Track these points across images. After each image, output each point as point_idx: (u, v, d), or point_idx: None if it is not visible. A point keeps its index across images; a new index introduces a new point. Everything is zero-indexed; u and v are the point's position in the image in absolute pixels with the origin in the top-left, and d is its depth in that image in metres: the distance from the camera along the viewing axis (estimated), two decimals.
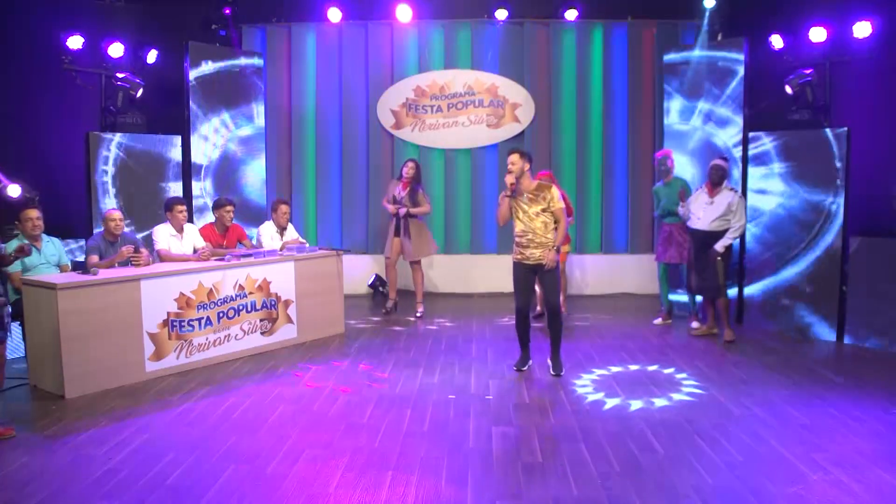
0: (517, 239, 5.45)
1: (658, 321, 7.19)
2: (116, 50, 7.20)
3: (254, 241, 7.01)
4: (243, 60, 8.35)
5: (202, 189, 7.92)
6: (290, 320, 6.48)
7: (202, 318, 5.77)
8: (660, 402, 4.84)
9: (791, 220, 6.71)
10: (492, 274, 8.89)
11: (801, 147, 6.62)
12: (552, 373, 5.52)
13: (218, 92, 8.04)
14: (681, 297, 7.36)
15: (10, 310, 4.61)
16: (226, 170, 8.18)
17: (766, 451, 4.00)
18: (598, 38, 8.85)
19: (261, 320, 6.23)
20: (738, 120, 7.21)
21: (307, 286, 6.59)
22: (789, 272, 6.73)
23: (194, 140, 7.79)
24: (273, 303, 6.33)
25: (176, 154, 7.62)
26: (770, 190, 6.85)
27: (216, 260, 6.06)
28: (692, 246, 6.59)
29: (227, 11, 8.19)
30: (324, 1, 8.42)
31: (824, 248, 6.50)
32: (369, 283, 8.79)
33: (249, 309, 6.13)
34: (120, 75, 7.19)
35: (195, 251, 6.20)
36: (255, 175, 8.54)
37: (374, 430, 4.38)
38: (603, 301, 8.48)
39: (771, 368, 5.63)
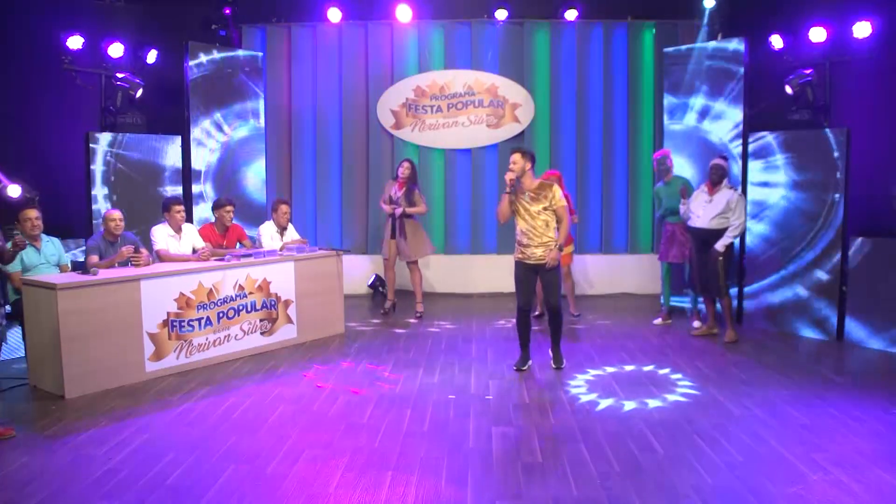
0: (519, 238, 5.46)
1: (658, 321, 7.19)
2: (116, 50, 7.21)
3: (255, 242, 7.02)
4: (243, 60, 8.35)
5: (202, 189, 7.92)
6: (289, 320, 6.48)
7: (202, 318, 5.77)
8: (659, 403, 4.84)
9: (791, 220, 6.71)
10: (492, 274, 8.89)
11: (801, 147, 6.63)
12: (553, 366, 5.63)
13: (218, 92, 8.04)
14: (682, 298, 7.36)
15: (8, 309, 4.59)
16: (226, 170, 8.18)
17: (766, 451, 4.00)
18: (598, 38, 8.85)
19: (261, 320, 6.23)
20: (736, 114, 7.19)
21: (307, 286, 6.59)
22: (789, 272, 6.73)
23: (194, 140, 7.79)
24: (273, 303, 6.33)
25: (175, 154, 7.62)
26: (770, 188, 6.85)
27: (216, 260, 6.06)
28: (692, 245, 6.59)
29: (227, 11, 8.19)
30: (324, 1, 8.42)
31: (824, 248, 6.50)
32: (369, 283, 8.79)
33: (249, 309, 6.13)
34: (120, 75, 7.20)
35: (194, 251, 6.19)
36: (255, 175, 8.53)
37: (374, 430, 4.38)
38: (603, 301, 8.48)
39: (771, 368, 5.63)
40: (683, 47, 7.83)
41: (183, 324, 5.63)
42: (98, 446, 4.11)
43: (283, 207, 7.00)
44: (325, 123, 9.07)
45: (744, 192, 6.89)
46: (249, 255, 6.18)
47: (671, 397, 4.95)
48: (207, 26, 8.18)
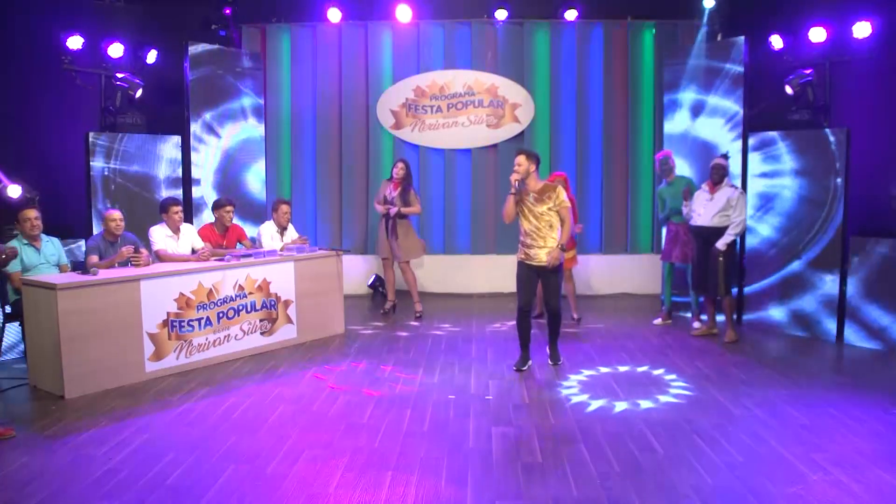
0: (523, 238, 5.49)
1: (658, 321, 7.19)
2: (116, 50, 7.20)
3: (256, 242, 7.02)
4: (243, 60, 8.34)
5: (203, 194, 7.91)
6: (289, 320, 6.48)
7: (202, 318, 5.77)
8: (659, 403, 4.84)
9: (791, 221, 6.71)
10: (491, 274, 8.90)
11: (801, 147, 6.63)
12: (550, 362, 5.71)
13: (218, 92, 8.04)
14: (686, 299, 7.36)
15: (8, 310, 4.60)
16: (226, 170, 8.18)
17: (766, 451, 4.00)
18: (598, 38, 8.85)
19: (260, 320, 6.23)
20: (736, 114, 7.18)
21: (307, 286, 6.59)
22: (789, 271, 6.73)
23: (194, 140, 7.79)
24: (273, 303, 6.33)
25: (175, 154, 7.62)
26: (770, 188, 6.85)
27: (216, 260, 6.06)
28: (695, 244, 6.58)
29: (227, 11, 8.19)
30: (324, 1, 8.42)
31: (824, 248, 6.50)
32: (369, 283, 8.79)
33: (249, 309, 6.13)
34: (119, 75, 7.20)
35: (193, 251, 6.19)
36: (255, 175, 8.53)
37: (374, 430, 4.38)
38: (603, 301, 8.48)
39: (771, 368, 5.63)
40: (683, 47, 7.84)
41: (183, 324, 5.63)
42: (98, 446, 4.11)
43: (284, 207, 7.00)
44: (325, 123, 9.07)
45: (743, 188, 6.89)
46: (249, 256, 6.18)
47: (669, 398, 4.95)
48: (207, 26, 8.18)
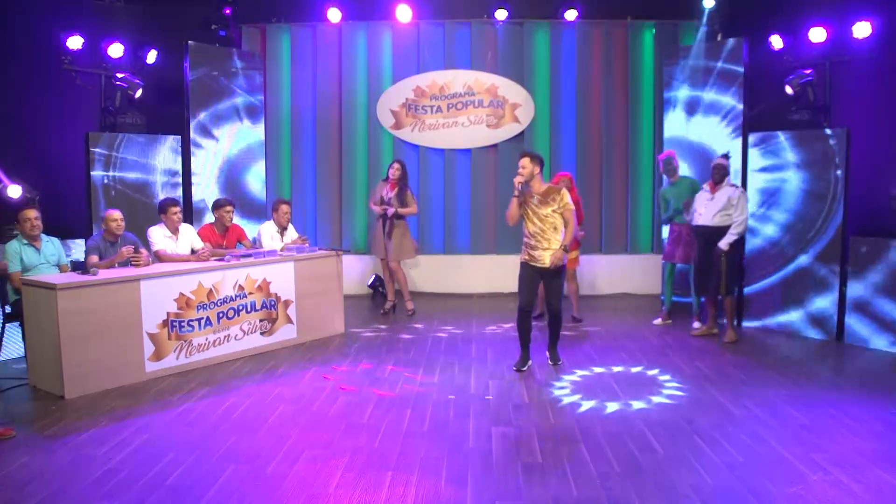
0: (527, 240, 5.50)
1: (658, 321, 7.19)
2: (116, 50, 7.21)
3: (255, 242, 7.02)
4: (243, 61, 8.34)
5: (203, 189, 7.91)
6: (289, 320, 6.48)
7: (202, 318, 5.77)
8: (659, 403, 4.84)
9: (790, 221, 6.71)
10: (491, 274, 8.90)
11: (801, 147, 6.63)
12: (550, 363, 5.73)
13: (217, 92, 8.04)
14: (688, 299, 7.36)
15: (7, 310, 4.60)
16: (226, 170, 8.18)
17: (766, 451, 4.00)
18: (598, 38, 8.85)
19: (260, 320, 6.23)
20: (735, 114, 7.18)
21: (307, 286, 6.59)
22: (789, 272, 6.73)
23: (194, 140, 7.79)
24: (273, 303, 6.33)
25: (174, 163, 7.62)
26: (769, 188, 6.85)
27: (216, 260, 6.06)
28: (697, 244, 6.58)
29: (227, 11, 8.19)
30: (324, 1, 8.42)
31: (824, 248, 6.50)
32: (369, 283, 8.79)
33: (249, 309, 6.13)
34: (119, 75, 7.20)
35: (193, 252, 6.19)
36: (255, 175, 8.53)
37: (374, 430, 4.38)
38: (603, 301, 8.48)
39: (770, 368, 5.63)
40: (683, 47, 7.84)
41: (183, 324, 5.63)
42: (98, 446, 4.11)
43: (284, 207, 7.00)
44: (325, 123, 9.07)
45: (744, 187, 6.88)
46: (249, 256, 6.18)
47: (663, 398, 4.95)
48: (207, 26, 8.18)
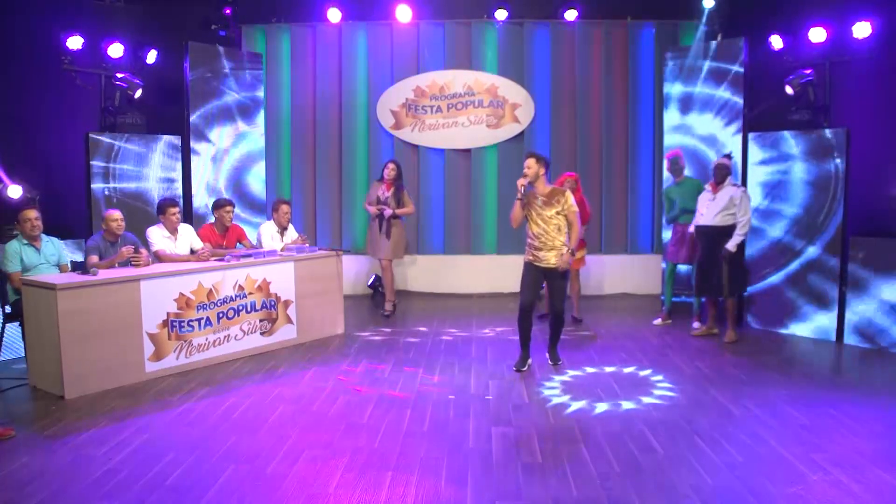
0: (530, 241, 5.51)
1: (658, 321, 7.19)
2: (116, 50, 7.21)
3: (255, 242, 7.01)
4: (243, 61, 8.34)
5: (205, 188, 7.91)
6: (289, 321, 6.48)
7: (202, 318, 5.77)
8: (659, 403, 4.84)
9: (790, 220, 6.71)
10: (491, 274, 8.90)
11: (801, 147, 6.63)
12: (550, 362, 5.74)
13: (217, 92, 8.04)
14: (686, 301, 7.36)
15: (7, 310, 4.59)
16: (225, 170, 8.17)
17: (766, 451, 4.00)
18: (598, 38, 8.85)
19: (260, 321, 6.23)
20: (734, 109, 7.18)
21: (307, 286, 6.59)
22: (789, 272, 6.73)
23: (194, 140, 7.79)
24: (273, 303, 6.33)
25: (175, 154, 7.62)
26: (770, 188, 6.85)
27: (216, 260, 6.06)
28: (700, 244, 6.57)
29: (228, 11, 8.20)
30: (324, 1, 8.43)
31: (824, 248, 6.50)
32: (369, 283, 8.79)
33: (249, 309, 6.13)
34: (119, 75, 7.20)
35: (192, 252, 6.19)
36: (255, 175, 8.53)
37: (374, 430, 4.38)
38: (603, 301, 8.48)
39: (770, 368, 5.63)
40: (683, 48, 7.83)
41: (183, 324, 5.63)
42: (98, 446, 4.11)
43: (284, 207, 7.00)
44: (325, 123, 9.07)
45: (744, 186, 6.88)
46: (249, 256, 6.18)
47: (667, 399, 4.95)
48: (207, 26, 8.18)
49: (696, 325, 6.89)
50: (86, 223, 7.07)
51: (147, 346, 5.41)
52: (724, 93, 7.28)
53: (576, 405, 4.81)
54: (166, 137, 7.55)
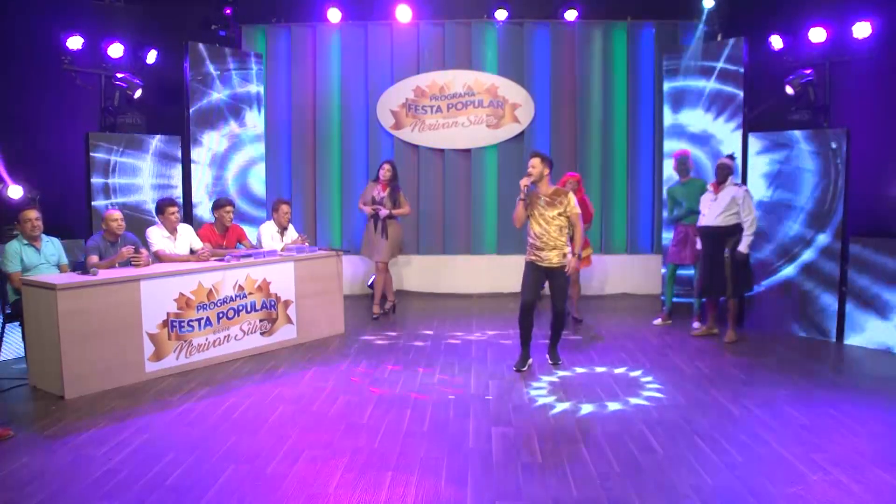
0: (532, 241, 5.51)
1: (658, 321, 7.19)
2: (116, 50, 7.21)
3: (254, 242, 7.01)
4: (243, 61, 8.34)
5: (206, 188, 7.91)
6: (289, 321, 6.48)
7: (202, 318, 5.77)
8: (659, 403, 4.84)
9: (790, 220, 6.71)
10: (491, 274, 8.90)
11: (801, 147, 6.63)
12: (550, 362, 5.74)
13: (217, 92, 8.03)
14: (686, 301, 7.35)
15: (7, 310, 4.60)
16: (225, 170, 8.17)
17: (766, 451, 4.00)
18: (598, 38, 8.85)
19: (260, 321, 6.23)
20: (734, 109, 7.18)
21: (307, 287, 6.59)
22: (788, 272, 6.73)
23: (194, 140, 7.79)
24: (273, 303, 6.33)
25: (175, 154, 7.62)
26: (769, 188, 6.85)
27: (216, 260, 6.06)
28: (702, 244, 6.56)
29: (228, 11, 8.20)
30: (324, 1, 8.43)
31: (824, 248, 6.50)
32: (369, 283, 8.77)
33: (249, 309, 6.13)
34: (119, 75, 7.20)
35: (192, 252, 6.19)
36: (255, 175, 8.53)
37: (374, 430, 4.38)
38: (603, 301, 8.48)
39: (771, 369, 5.63)
40: (683, 48, 7.84)
41: (183, 324, 5.63)
42: (98, 446, 4.11)
43: (284, 207, 7.00)
44: (325, 123, 9.07)
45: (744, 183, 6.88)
46: (249, 256, 6.18)
47: (671, 397, 4.95)
48: (207, 26, 8.18)
49: (696, 325, 6.89)
50: (86, 223, 7.06)
51: (147, 346, 5.41)
52: (724, 93, 7.27)
53: (578, 406, 4.81)
54: (165, 137, 7.55)
